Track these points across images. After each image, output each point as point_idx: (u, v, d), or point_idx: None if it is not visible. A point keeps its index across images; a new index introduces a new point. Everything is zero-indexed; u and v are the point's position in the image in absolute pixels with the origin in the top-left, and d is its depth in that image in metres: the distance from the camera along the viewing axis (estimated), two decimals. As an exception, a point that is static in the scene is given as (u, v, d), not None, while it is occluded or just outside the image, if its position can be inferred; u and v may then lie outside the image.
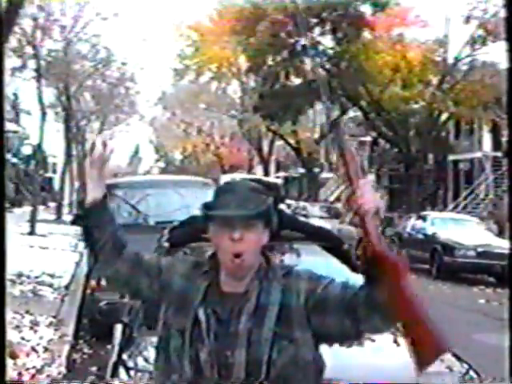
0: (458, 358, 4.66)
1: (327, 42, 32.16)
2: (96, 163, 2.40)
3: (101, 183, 2.43)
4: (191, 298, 2.36)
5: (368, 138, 41.35)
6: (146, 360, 4.28)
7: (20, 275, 12.07)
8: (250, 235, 2.32)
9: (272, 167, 52.30)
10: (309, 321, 2.31)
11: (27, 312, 9.09)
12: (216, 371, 2.27)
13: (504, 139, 29.73)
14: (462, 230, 18.88)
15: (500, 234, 22.59)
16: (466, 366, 4.57)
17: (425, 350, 2.19)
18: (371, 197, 2.12)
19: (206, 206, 2.38)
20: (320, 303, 2.30)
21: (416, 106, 31.90)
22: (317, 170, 43.42)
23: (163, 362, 2.38)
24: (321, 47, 31.94)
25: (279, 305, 2.30)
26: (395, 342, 4.83)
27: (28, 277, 12.21)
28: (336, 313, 2.28)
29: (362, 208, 2.12)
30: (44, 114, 25.49)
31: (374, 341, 4.90)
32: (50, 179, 58.45)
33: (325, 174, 49.17)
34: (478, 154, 35.75)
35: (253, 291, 2.33)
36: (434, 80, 31.26)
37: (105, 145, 2.42)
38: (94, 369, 7.02)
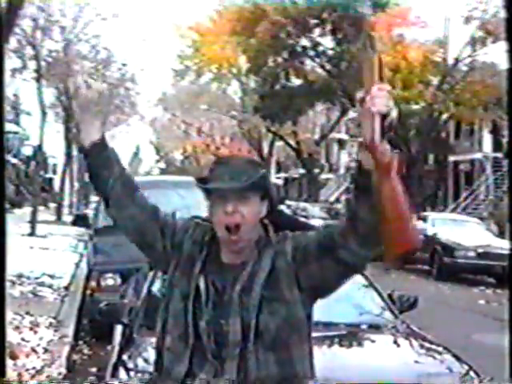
0: (458, 359, 4.66)
1: (327, 42, 32.16)
2: (84, 105, 2.38)
3: (94, 124, 2.42)
4: (195, 264, 2.38)
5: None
6: (146, 361, 4.28)
7: (20, 276, 12.06)
8: (245, 208, 2.32)
9: (272, 168, 52.30)
10: (296, 277, 2.31)
11: (27, 313, 9.08)
12: (213, 339, 2.29)
13: (504, 140, 29.74)
14: (463, 230, 18.88)
15: (500, 234, 22.59)
16: (466, 366, 4.57)
17: (396, 244, 2.17)
18: (382, 100, 2.07)
19: (201, 180, 2.39)
20: (304, 255, 2.31)
21: (416, 107, 31.88)
22: (317, 170, 43.41)
23: (161, 322, 2.41)
24: (321, 48, 31.96)
25: (269, 269, 2.32)
26: (395, 342, 4.84)
27: (28, 278, 12.20)
28: (316, 255, 2.28)
29: (371, 109, 2.07)
30: (44, 114, 25.50)
31: (373, 341, 4.91)
32: (51, 180, 58.44)
33: (325, 175, 49.21)
34: (479, 155, 35.74)
35: (249, 262, 2.34)
36: (435, 80, 31.26)
37: (89, 86, 2.39)
38: (94, 369, 7.02)
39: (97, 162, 2.42)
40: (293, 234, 2.38)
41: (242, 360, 2.26)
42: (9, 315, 7.25)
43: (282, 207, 2.60)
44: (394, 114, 2.09)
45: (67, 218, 30.33)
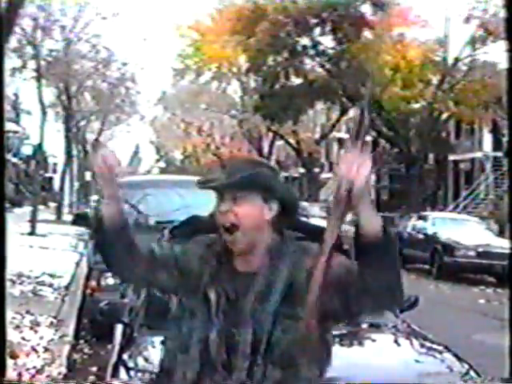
0: (459, 358, 4.66)
1: (327, 42, 32.17)
2: (110, 181, 2.33)
3: (117, 198, 2.36)
4: (203, 278, 2.33)
5: (368, 138, 41.38)
6: (147, 360, 4.28)
7: (20, 275, 12.06)
8: (239, 208, 2.27)
9: (272, 167, 52.25)
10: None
11: (27, 312, 9.08)
12: (223, 350, 2.25)
13: (504, 139, 29.75)
14: (463, 230, 18.89)
15: (500, 233, 22.60)
16: (466, 365, 4.57)
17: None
18: (347, 166, 2.01)
19: (203, 182, 2.38)
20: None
21: (416, 106, 31.90)
22: (317, 170, 43.42)
23: (172, 343, 2.38)
24: (321, 47, 31.96)
25: (285, 282, 2.26)
26: (395, 341, 4.84)
27: (28, 277, 12.20)
28: (329, 291, 2.18)
29: (336, 176, 2.05)
30: (44, 113, 25.49)
31: (374, 341, 4.91)
32: (51, 179, 58.47)
33: (325, 174, 49.20)
34: (479, 154, 35.77)
35: (263, 269, 2.28)
36: (435, 80, 31.27)
37: (114, 158, 2.34)
38: (94, 369, 7.01)
39: (110, 234, 2.36)
40: (314, 253, 2.25)
41: (250, 373, 2.22)
42: (9, 314, 7.25)
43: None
44: (357, 182, 2.01)
45: (67, 217, 30.34)
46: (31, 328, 8.30)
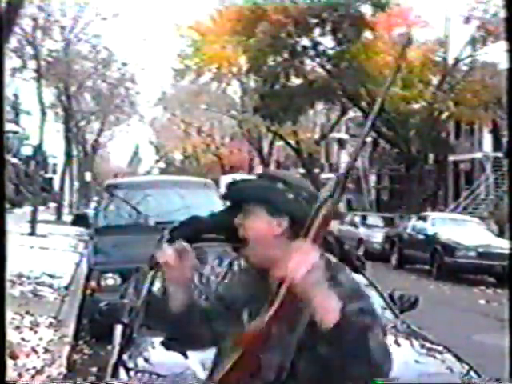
0: (459, 359, 4.66)
1: (328, 42, 32.17)
2: (177, 269, 2.28)
3: (184, 289, 2.31)
4: (240, 301, 2.28)
5: (368, 139, 41.40)
6: (146, 360, 4.28)
7: (20, 276, 12.07)
8: (246, 221, 2.22)
9: (272, 168, 52.31)
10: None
11: (27, 313, 9.08)
12: (248, 375, 2.14)
13: (504, 140, 29.75)
14: (463, 230, 18.89)
15: (500, 234, 22.60)
16: (466, 366, 4.57)
17: None
18: (289, 260, 1.91)
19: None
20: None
21: (416, 106, 31.88)
22: (317, 170, 43.42)
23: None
24: (321, 48, 31.97)
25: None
26: (396, 341, 4.83)
27: (28, 277, 12.21)
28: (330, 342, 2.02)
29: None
30: (44, 114, 25.50)
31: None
32: (50, 180, 58.49)
33: (325, 175, 49.23)
34: (479, 155, 35.77)
35: None
36: (435, 80, 31.27)
37: (188, 251, 2.32)
38: (94, 369, 7.02)
39: (180, 322, 2.32)
40: (348, 288, 2.12)
41: None
42: (9, 315, 7.26)
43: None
44: (295, 279, 1.90)
45: (67, 217, 30.35)
46: (31, 329, 8.30)
